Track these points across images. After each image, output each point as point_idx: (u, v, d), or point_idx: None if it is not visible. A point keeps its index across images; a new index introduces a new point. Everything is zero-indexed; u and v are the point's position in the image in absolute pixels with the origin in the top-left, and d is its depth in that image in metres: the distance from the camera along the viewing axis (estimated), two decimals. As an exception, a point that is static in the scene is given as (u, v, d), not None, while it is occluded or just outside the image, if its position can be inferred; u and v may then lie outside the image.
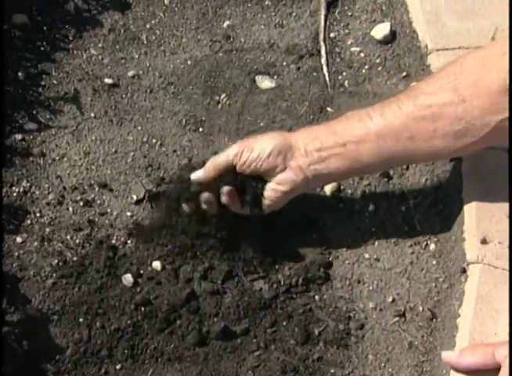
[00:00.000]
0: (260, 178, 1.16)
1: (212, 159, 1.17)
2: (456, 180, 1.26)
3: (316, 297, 1.19)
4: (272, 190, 1.16)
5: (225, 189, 1.14)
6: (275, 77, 1.42)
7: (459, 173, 1.26)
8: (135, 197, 1.26)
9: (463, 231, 1.19)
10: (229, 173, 1.15)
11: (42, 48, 1.41)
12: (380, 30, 1.46)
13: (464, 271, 1.16)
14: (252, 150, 1.14)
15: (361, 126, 1.12)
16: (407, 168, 1.30)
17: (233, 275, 1.18)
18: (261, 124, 1.36)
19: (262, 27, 1.49)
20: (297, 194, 1.18)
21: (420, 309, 1.18)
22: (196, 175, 1.18)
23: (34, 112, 1.33)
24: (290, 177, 1.14)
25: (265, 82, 1.41)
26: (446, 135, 1.08)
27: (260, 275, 1.19)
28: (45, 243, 1.19)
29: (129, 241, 1.21)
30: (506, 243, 1.14)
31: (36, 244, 1.19)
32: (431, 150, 1.11)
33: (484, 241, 1.15)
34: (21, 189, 1.24)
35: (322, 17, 1.49)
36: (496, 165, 1.22)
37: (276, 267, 1.20)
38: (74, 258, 1.18)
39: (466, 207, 1.21)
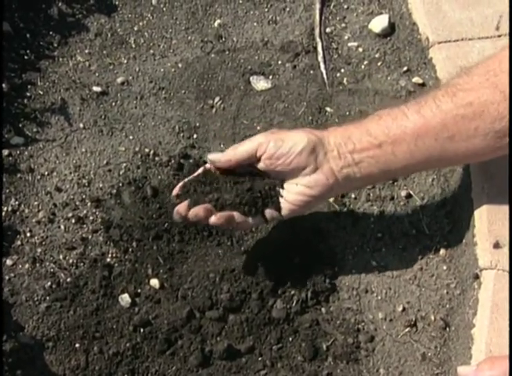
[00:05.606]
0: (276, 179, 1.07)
1: (234, 146, 1.07)
2: (465, 179, 1.20)
3: (323, 309, 1.14)
4: (299, 194, 1.05)
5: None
6: (271, 77, 1.36)
7: (467, 172, 1.20)
8: (129, 211, 1.20)
9: (474, 234, 1.14)
10: (247, 166, 1.06)
11: (26, 57, 1.35)
12: (379, 23, 1.39)
13: (477, 277, 1.10)
14: (282, 143, 1.04)
15: (397, 125, 1.03)
16: (412, 169, 1.24)
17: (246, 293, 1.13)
18: (258, 127, 1.31)
19: (255, 24, 1.43)
20: (323, 201, 1.12)
21: (432, 318, 1.13)
22: (214, 157, 1.07)
23: (20, 125, 1.27)
24: (321, 180, 1.04)
25: (260, 83, 1.35)
26: (487, 135, 1.01)
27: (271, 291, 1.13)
28: (37, 264, 1.14)
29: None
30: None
31: (27, 265, 1.14)
32: (471, 150, 1.03)
33: (497, 245, 1.09)
34: (9, 208, 1.19)
35: (318, 11, 1.43)
36: (506, 163, 1.15)
37: (285, 283, 1.14)
38: (68, 279, 1.13)
39: (476, 209, 1.15)
